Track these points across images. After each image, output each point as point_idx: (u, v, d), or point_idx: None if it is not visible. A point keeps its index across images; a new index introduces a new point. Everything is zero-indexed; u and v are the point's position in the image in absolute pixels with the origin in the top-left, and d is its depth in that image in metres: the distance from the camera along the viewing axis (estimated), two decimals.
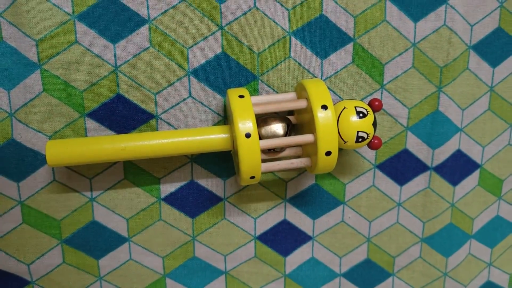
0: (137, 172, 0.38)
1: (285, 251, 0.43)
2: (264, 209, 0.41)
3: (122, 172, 0.38)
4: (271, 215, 0.41)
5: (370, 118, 0.34)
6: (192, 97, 0.37)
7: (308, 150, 0.35)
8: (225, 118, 0.38)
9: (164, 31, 0.35)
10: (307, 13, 0.37)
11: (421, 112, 0.41)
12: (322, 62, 0.38)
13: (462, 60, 0.40)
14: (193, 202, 0.40)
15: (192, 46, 0.36)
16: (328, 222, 0.43)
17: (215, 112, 0.37)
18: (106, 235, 0.39)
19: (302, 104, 0.34)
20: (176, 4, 0.35)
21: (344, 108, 0.34)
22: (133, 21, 0.34)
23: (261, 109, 0.34)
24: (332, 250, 0.44)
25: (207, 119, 0.37)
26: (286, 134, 0.35)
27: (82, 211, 0.38)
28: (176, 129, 0.37)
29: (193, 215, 0.40)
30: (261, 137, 0.35)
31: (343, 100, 0.36)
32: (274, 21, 0.36)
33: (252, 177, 0.33)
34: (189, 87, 0.36)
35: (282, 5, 0.36)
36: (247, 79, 0.37)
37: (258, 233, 0.42)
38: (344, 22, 0.37)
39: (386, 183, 0.42)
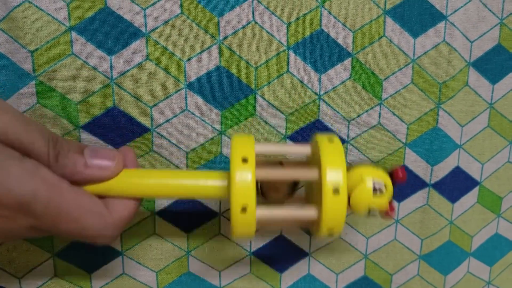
0: None
1: (281, 267, 0.42)
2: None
3: None
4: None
5: (387, 195, 0.31)
6: (188, 110, 0.36)
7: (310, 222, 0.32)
8: (221, 132, 0.37)
9: (161, 44, 0.35)
10: (306, 28, 0.36)
11: (420, 128, 0.40)
12: (320, 77, 0.38)
13: (461, 77, 0.40)
14: (188, 216, 0.39)
15: (189, 59, 0.35)
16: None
17: (211, 126, 0.37)
18: (98, 248, 0.39)
19: (313, 175, 0.30)
20: (174, 17, 0.34)
21: (361, 180, 0.31)
22: (130, 34, 0.34)
23: (265, 175, 0.30)
24: (329, 266, 0.43)
25: (203, 133, 0.37)
26: (292, 190, 0.34)
27: None
28: (171, 142, 0.37)
29: (188, 230, 0.39)
30: (261, 186, 0.33)
31: (361, 164, 0.32)
32: (272, 35, 0.36)
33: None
34: (186, 100, 0.36)
35: (281, 19, 0.36)
36: (244, 93, 0.37)
37: (253, 249, 0.41)
38: (343, 37, 0.37)
39: None
